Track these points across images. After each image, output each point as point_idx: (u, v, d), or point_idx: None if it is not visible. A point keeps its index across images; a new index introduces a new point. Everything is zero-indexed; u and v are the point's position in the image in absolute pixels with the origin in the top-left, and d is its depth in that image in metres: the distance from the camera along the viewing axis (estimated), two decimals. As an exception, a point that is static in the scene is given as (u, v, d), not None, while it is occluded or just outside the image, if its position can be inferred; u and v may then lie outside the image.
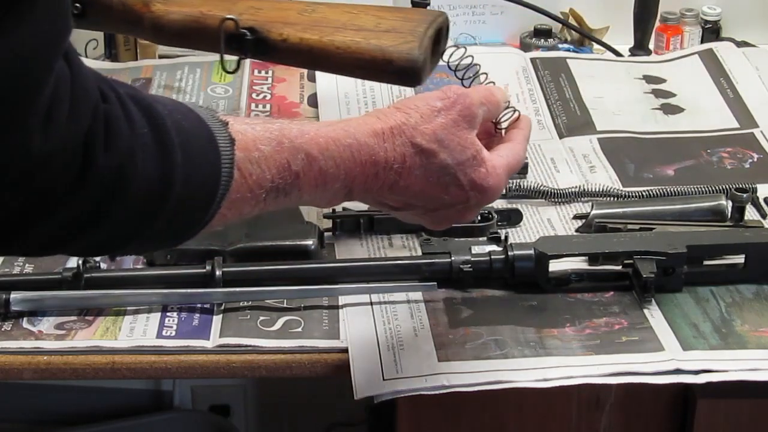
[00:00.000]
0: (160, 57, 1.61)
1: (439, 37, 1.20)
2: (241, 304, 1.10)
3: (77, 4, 1.18)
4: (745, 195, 1.20)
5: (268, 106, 1.49)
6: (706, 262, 1.15)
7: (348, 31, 1.13)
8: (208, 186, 0.80)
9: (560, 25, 1.71)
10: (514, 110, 1.01)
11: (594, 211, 1.22)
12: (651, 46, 1.69)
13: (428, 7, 1.70)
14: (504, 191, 1.27)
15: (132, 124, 0.75)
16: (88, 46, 1.62)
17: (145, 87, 1.51)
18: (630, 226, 1.18)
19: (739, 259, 1.14)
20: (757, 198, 1.28)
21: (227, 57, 1.16)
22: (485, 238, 1.18)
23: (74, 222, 0.74)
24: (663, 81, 1.55)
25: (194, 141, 0.79)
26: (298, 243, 1.15)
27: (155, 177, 0.76)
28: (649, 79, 1.55)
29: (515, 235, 1.21)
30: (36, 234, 0.74)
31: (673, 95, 1.52)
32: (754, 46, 1.67)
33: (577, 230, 1.23)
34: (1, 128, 0.66)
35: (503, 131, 1.00)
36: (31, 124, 0.67)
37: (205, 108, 0.84)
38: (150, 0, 1.18)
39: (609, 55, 1.65)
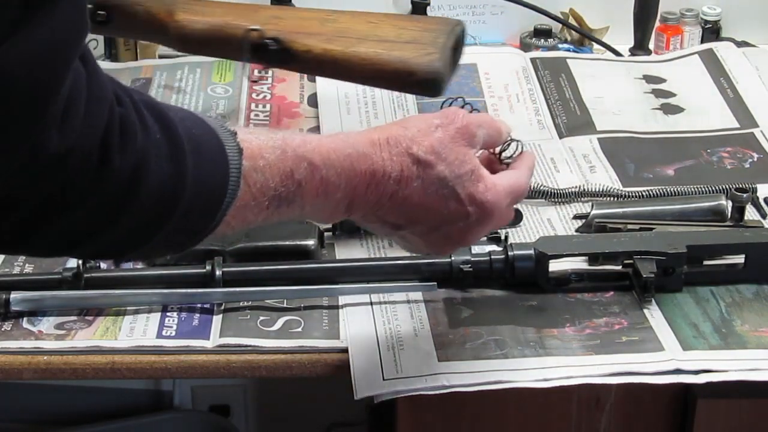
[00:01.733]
0: (160, 57, 1.61)
1: (457, 45, 1.21)
2: (241, 304, 1.10)
3: (102, 12, 1.19)
4: (745, 195, 1.20)
5: (268, 106, 1.48)
6: (706, 262, 1.15)
7: (370, 42, 1.15)
8: (216, 193, 0.81)
9: (560, 25, 1.71)
10: (519, 142, 1.01)
11: (594, 211, 1.22)
12: (651, 46, 1.69)
13: (428, 8, 1.71)
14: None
15: (146, 129, 0.76)
16: (88, 45, 1.62)
17: (145, 87, 1.51)
18: (630, 226, 1.18)
19: (739, 259, 1.14)
20: (757, 198, 1.28)
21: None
22: (485, 238, 1.17)
23: (88, 223, 0.75)
24: (663, 81, 1.54)
25: (204, 149, 0.80)
26: (298, 243, 1.15)
27: (167, 181, 0.77)
28: (649, 79, 1.55)
29: (515, 235, 1.21)
30: (49, 234, 0.75)
31: (673, 95, 1.52)
32: (754, 46, 1.67)
33: (577, 230, 1.23)
34: (20, 125, 0.67)
35: (506, 165, 1.00)
36: (49, 121, 0.68)
37: (215, 118, 0.85)
38: (174, 9, 1.19)
39: (609, 55, 1.66)
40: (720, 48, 1.61)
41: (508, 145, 1.00)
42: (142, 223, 0.77)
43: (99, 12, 1.18)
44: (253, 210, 0.84)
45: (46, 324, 1.08)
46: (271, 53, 1.15)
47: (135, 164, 0.74)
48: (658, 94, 1.52)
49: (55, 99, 0.68)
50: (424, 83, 1.14)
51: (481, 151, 0.97)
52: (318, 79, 1.51)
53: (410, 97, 1.47)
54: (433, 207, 0.92)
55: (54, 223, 0.74)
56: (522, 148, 1.01)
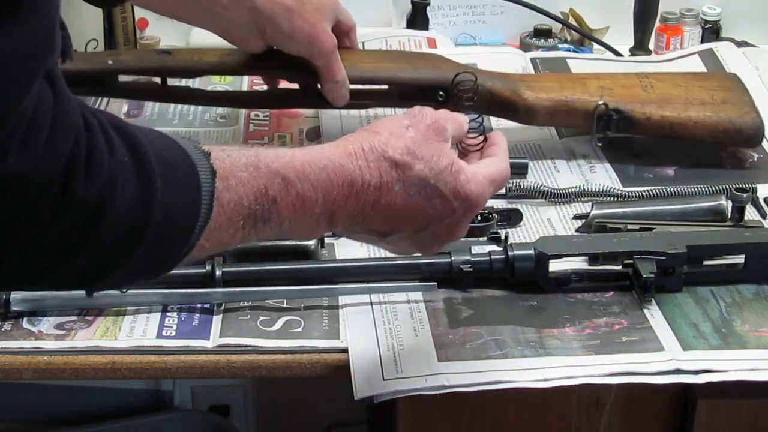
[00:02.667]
0: (160, 57, 1.60)
1: None
2: (241, 304, 1.10)
3: (442, 93, 1.31)
4: (745, 195, 1.20)
5: (268, 107, 1.48)
6: (706, 262, 1.15)
7: (695, 106, 1.34)
8: (188, 217, 0.79)
9: (560, 25, 1.71)
10: (481, 125, 1.00)
11: (594, 211, 1.22)
12: (651, 46, 1.69)
13: (428, 8, 1.71)
14: (504, 191, 1.27)
15: (113, 153, 0.74)
16: (88, 45, 1.62)
17: (145, 87, 1.51)
18: (630, 226, 1.18)
19: (739, 259, 1.14)
20: (757, 198, 1.28)
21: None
22: (485, 238, 1.18)
23: (50, 252, 0.73)
24: (663, 82, 1.54)
25: (175, 171, 0.78)
26: (298, 243, 1.15)
27: (134, 207, 0.74)
28: (649, 79, 1.55)
29: (515, 235, 1.21)
30: (9, 264, 0.72)
31: (673, 96, 1.51)
32: (754, 46, 1.67)
33: (577, 230, 1.23)
34: None
35: (477, 152, 1.00)
36: (6, 142, 0.66)
37: (188, 138, 0.82)
38: (518, 88, 1.34)
39: (609, 55, 1.66)
40: (720, 48, 1.61)
41: (476, 126, 1.00)
42: (108, 251, 0.75)
43: (440, 92, 1.31)
44: (228, 231, 0.82)
45: (46, 324, 1.08)
46: (613, 122, 1.33)
47: (100, 192, 0.72)
48: (658, 95, 1.52)
49: (12, 118, 0.65)
50: (751, 139, 1.35)
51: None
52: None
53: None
54: (417, 208, 0.90)
55: (13, 252, 0.71)
56: (483, 129, 1.00)
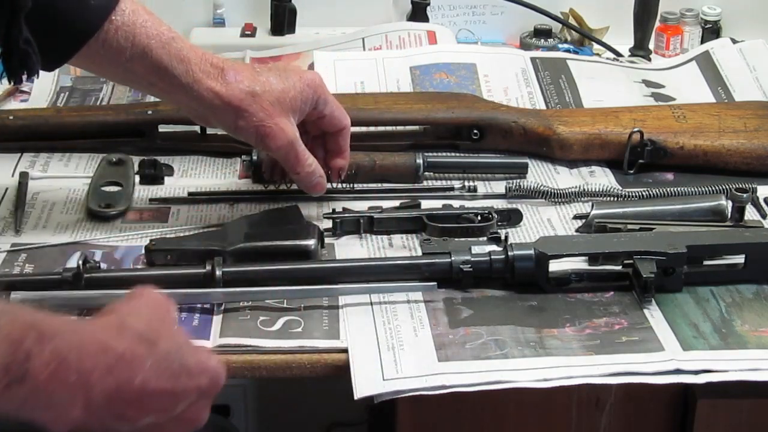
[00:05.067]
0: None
1: None
2: (241, 304, 1.10)
3: (476, 131, 1.37)
4: (745, 195, 1.20)
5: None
6: (706, 262, 1.15)
7: (728, 134, 1.36)
8: None
9: (560, 25, 1.71)
10: None
11: (594, 211, 1.22)
12: (651, 46, 1.69)
13: (428, 8, 1.71)
14: (504, 191, 1.27)
15: None
16: None
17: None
18: (630, 226, 1.18)
19: (739, 259, 1.14)
20: (757, 198, 1.28)
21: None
22: (485, 238, 1.18)
23: None
24: (662, 86, 1.55)
25: None
26: (298, 243, 1.15)
27: None
28: (648, 83, 1.55)
29: (515, 235, 1.21)
30: None
31: (673, 99, 1.51)
32: (752, 45, 1.67)
33: (577, 230, 1.23)
34: None
35: None
36: None
37: None
38: (551, 124, 1.37)
39: (609, 55, 1.66)
40: (716, 49, 1.60)
41: None
42: None
43: (474, 131, 1.36)
44: None
45: (46, 324, 1.07)
46: (647, 152, 1.34)
47: None
48: (658, 98, 1.52)
49: None
50: None
51: None
52: (317, 67, 1.54)
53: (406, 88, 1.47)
54: (167, 388, 0.87)
55: None
56: None
